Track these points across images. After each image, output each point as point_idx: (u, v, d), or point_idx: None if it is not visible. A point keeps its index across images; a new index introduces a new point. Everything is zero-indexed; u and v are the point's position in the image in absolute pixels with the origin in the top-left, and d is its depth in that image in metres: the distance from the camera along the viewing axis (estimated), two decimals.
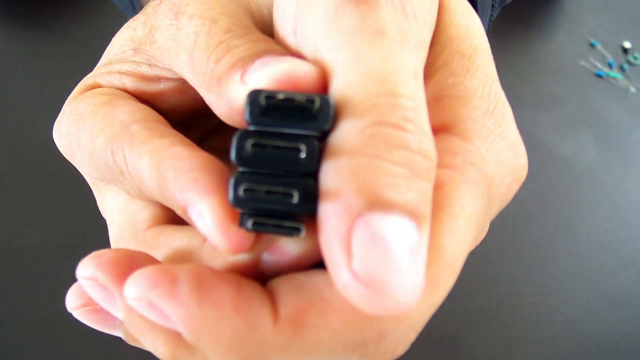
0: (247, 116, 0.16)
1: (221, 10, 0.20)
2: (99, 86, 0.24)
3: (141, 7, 0.30)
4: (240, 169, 0.16)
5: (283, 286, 0.17)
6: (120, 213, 0.23)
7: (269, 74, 0.17)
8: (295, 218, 0.17)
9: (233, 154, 0.16)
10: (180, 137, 0.20)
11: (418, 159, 0.15)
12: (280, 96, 0.16)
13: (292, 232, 0.16)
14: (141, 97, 0.23)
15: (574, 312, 0.40)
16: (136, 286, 0.16)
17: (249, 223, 0.16)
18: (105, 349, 0.36)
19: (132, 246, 0.22)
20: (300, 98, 0.16)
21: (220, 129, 0.25)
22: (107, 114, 0.21)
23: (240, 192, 0.16)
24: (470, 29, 0.20)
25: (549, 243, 0.43)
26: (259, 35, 0.19)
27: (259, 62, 0.17)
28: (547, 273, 0.41)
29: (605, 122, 0.48)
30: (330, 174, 0.15)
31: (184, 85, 0.22)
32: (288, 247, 0.18)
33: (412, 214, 0.14)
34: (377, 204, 0.14)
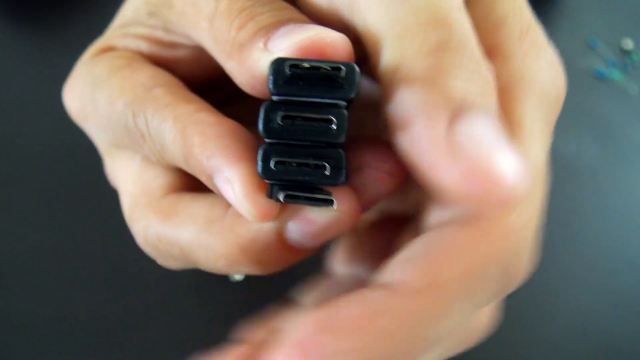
0: (271, 86, 0.16)
1: None
2: (114, 48, 0.23)
3: None
4: (267, 140, 0.16)
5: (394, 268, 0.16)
6: (134, 181, 0.23)
7: (293, 41, 0.16)
8: (323, 189, 0.16)
9: (261, 126, 0.16)
10: (205, 103, 0.19)
11: (482, 81, 0.15)
12: (305, 64, 0.15)
13: (325, 204, 0.16)
14: (157, 62, 0.22)
15: (574, 313, 0.40)
16: None
17: (281, 196, 0.16)
18: (105, 349, 0.36)
19: (148, 213, 0.21)
20: (325, 66, 0.15)
21: (233, 102, 0.24)
22: (126, 77, 0.21)
23: (272, 164, 0.16)
24: None
25: (549, 243, 0.43)
26: (283, 3, 0.18)
27: (283, 29, 0.17)
28: (548, 273, 0.41)
29: (606, 122, 0.48)
30: (409, 97, 0.15)
31: (200, 54, 0.21)
32: (314, 216, 0.18)
33: (496, 120, 0.15)
34: (464, 109, 0.14)
